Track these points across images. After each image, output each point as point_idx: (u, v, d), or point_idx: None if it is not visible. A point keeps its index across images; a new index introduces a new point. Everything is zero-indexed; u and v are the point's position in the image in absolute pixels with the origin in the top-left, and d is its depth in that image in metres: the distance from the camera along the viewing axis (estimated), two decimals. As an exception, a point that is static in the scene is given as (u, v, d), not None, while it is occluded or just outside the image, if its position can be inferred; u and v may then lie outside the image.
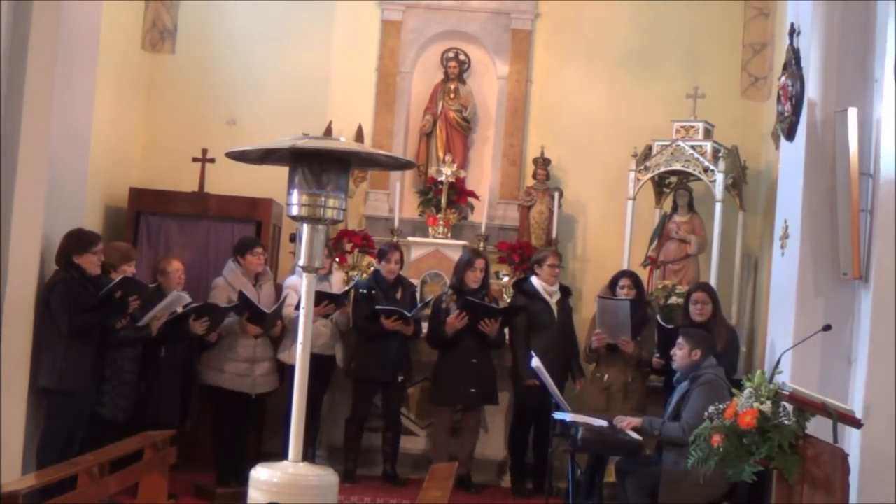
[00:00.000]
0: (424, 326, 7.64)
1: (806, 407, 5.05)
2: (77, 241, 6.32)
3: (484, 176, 8.91)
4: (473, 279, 7.52)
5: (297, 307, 6.68)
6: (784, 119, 6.21)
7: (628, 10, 8.86)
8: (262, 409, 7.57)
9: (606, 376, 7.22)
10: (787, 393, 5.03)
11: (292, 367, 4.55)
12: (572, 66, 8.94)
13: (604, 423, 6.39)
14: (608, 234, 8.55)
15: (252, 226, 8.05)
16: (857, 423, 5.19)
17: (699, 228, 8.07)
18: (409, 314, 7.37)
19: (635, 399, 7.18)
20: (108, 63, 7.59)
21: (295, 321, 6.76)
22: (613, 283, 7.38)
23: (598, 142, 8.76)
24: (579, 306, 8.36)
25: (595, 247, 8.79)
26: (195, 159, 8.20)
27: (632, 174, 8.07)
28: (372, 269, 7.95)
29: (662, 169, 8.07)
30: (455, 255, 8.00)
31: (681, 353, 6.28)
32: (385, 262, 7.57)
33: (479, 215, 8.58)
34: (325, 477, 4.30)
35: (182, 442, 6.28)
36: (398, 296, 7.59)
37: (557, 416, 6.59)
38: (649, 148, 8.12)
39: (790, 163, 6.27)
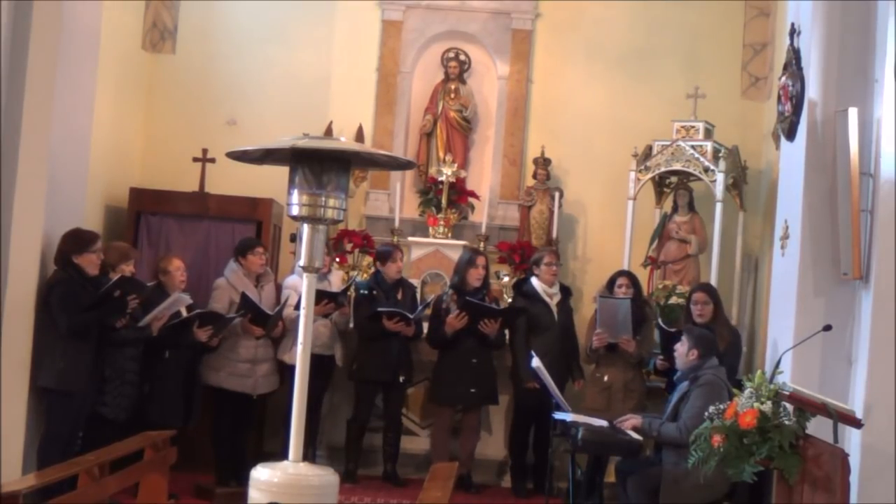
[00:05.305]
0: (425, 327, 7.64)
1: (806, 407, 5.05)
2: (75, 240, 6.33)
3: (484, 176, 8.90)
4: (476, 276, 7.52)
5: (296, 307, 6.70)
6: (784, 119, 6.21)
7: (628, 11, 8.85)
8: (262, 409, 7.57)
9: (606, 376, 7.22)
10: (787, 393, 5.04)
11: (292, 368, 4.54)
12: (572, 66, 8.93)
13: (604, 423, 6.39)
14: (608, 235, 8.54)
15: (252, 226, 8.04)
16: (857, 423, 5.19)
17: (699, 228, 8.06)
18: (410, 316, 7.37)
19: (635, 399, 7.17)
20: (109, 63, 7.59)
21: (295, 321, 6.76)
22: (611, 283, 7.40)
23: (598, 142, 8.76)
24: (579, 306, 8.34)
25: (595, 247, 8.78)
26: (195, 159, 8.20)
27: (632, 174, 8.06)
28: (372, 269, 7.94)
29: (663, 169, 8.06)
30: (455, 255, 8.00)
31: (681, 351, 6.28)
32: (391, 262, 7.56)
33: (480, 215, 8.58)
34: (325, 477, 4.30)
35: (182, 442, 6.27)
36: (399, 296, 7.59)
37: (558, 416, 6.58)
38: (649, 148, 8.11)
39: (790, 163, 6.27)
